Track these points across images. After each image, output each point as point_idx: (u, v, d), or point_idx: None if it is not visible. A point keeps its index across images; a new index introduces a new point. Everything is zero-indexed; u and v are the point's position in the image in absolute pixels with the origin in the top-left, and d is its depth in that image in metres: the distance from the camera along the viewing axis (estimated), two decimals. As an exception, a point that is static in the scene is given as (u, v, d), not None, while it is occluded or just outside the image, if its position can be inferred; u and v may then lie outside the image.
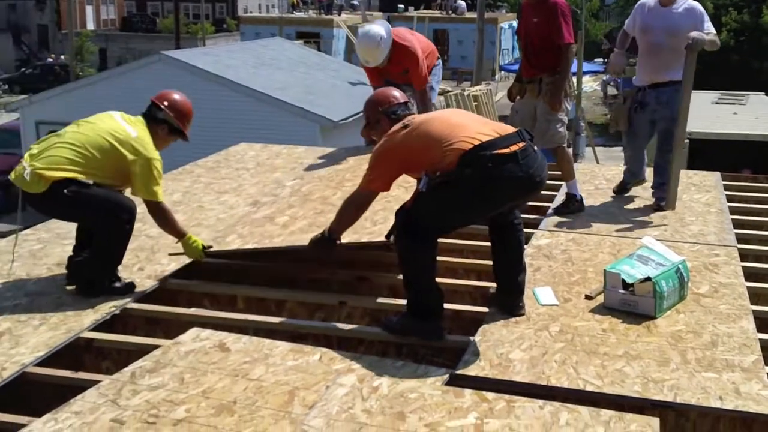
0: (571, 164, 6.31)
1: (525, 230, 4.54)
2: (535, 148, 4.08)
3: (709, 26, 6.03)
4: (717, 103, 17.75)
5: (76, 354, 4.18)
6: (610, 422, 3.26)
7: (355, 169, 6.35)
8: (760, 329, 4.30)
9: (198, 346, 3.94)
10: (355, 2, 44.61)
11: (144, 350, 4.00)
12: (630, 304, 4.38)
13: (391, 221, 4.46)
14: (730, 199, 6.87)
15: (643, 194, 6.66)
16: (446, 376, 3.69)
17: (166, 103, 4.82)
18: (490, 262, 4.47)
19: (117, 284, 4.69)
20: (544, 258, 5.24)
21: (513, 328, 4.20)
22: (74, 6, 38.15)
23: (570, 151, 6.60)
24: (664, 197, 6.28)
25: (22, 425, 3.29)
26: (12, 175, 4.58)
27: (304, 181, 6.18)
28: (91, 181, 4.55)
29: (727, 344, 4.05)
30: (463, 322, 4.45)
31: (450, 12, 44.59)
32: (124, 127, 4.68)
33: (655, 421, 3.29)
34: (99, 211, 4.56)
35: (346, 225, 4.42)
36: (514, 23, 41.29)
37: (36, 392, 3.85)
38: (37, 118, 20.40)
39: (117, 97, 18.46)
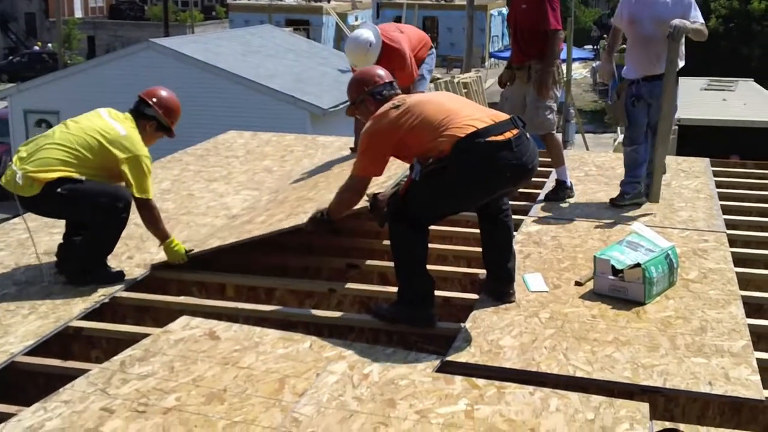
0: (560, 150, 6.30)
1: (515, 217, 4.54)
2: (528, 135, 4.08)
3: (696, 14, 5.87)
4: (706, 89, 17.76)
5: (65, 343, 4.17)
6: (600, 408, 3.27)
7: (330, 175, 6.30)
8: (749, 314, 4.32)
9: (188, 335, 3.93)
10: (345, -11, 44.50)
11: (133, 339, 3.99)
12: (620, 290, 4.39)
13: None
14: (718, 185, 6.89)
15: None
16: (437, 363, 3.69)
17: (154, 100, 4.81)
18: (480, 249, 4.46)
19: (106, 273, 4.68)
20: (533, 244, 5.25)
21: (503, 315, 4.20)
22: (62, -7, 37.89)
23: (559, 137, 6.58)
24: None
25: (11, 415, 3.27)
26: (3, 180, 4.58)
27: (280, 192, 6.18)
28: (83, 177, 4.54)
29: (717, 330, 4.07)
30: (454, 308, 4.45)
31: (440, -1, 44.57)
32: (112, 125, 4.66)
33: (645, 407, 3.30)
34: (95, 204, 4.56)
35: (344, 209, 4.36)
36: (504, 10, 41.28)
37: (25, 381, 3.84)
38: (25, 107, 20.34)
39: (105, 86, 18.47)
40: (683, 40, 5.77)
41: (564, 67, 8.21)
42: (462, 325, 4.10)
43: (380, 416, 3.22)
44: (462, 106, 4.13)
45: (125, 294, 4.59)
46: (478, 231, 4.45)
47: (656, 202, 6.04)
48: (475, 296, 4.49)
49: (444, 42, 42.62)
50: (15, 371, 3.82)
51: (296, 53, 22.86)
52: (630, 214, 5.88)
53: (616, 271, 4.42)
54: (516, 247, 4.59)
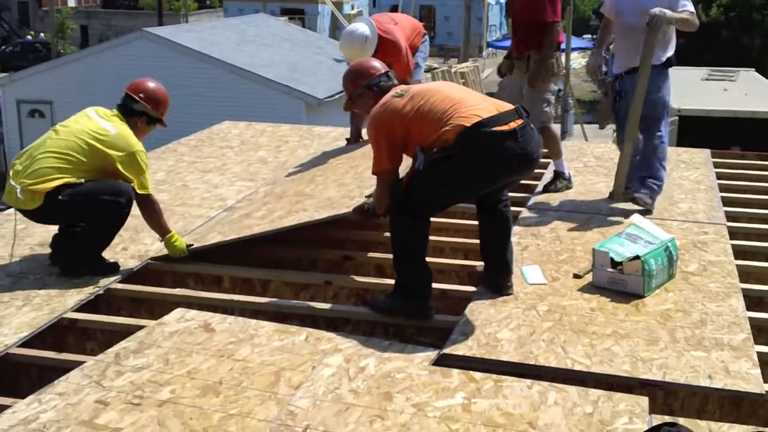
0: (557, 142, 6.27)
1: (513, 209, 4.50)
2: (532, 125, 4.04)
3: (684, 3, 5.59)
4: (707, 79, 17.66)
5: (59, 335, 4.14)
6: (599, 401, 3.25)
7: (327, 169, 6.27)
8: (749, 307, 4.30)
9: (183, 327, 3.90)
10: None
11: (128, 331, 3.96)
12: (618, 282, 4.36)
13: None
14: (719, 176, 6.85)
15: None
16: (434, 356, 3.67)
17: (141, 95, 4.76)
18: (478, 241, 4.43)
19: (101, 264, 4.65)
20: (531, 236, 5.21)
21: (501, 308, 4.17)
22: (55, -18, 37.67)
23: (558, 128, 6.53)
24: (647, 193, 5.77)
25: (6, 407, 3.25)
26: (5, 198, 4.58)
27: (277, 185, 6.14)
28: (82, 180, 4.52)
29: (716, 323, 4.04)
30: (451, 301, 4.43)
31: (437, -12, 44.44)
32: (102, 125, 4.63)
33: (644, 400, 3.28)
34: (98, 203, 4.53)
35: (383, 205, 4.32)
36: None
37: (19, 373, 3.83)
38: (18, 97, 20.26)
39: (99, 75, 18.40)
40: (673, 29, 5.66)
41: (563, 58, 8.13)
42: (459, 317, 4.07)
43: (376, 409, 3.19)
44: (466, 96, 4.09)
45: (120, 286, 4.55)
46: (475, 222, 4.42)
47: (619, 194, 5.87)
48: (472, 288, 4.46)
49: (441, 31, 42.54)
50: (9, 363, 3.80)
51: (291, 42, 22.77)
52: (629, 206, 5.83)
53: (615, 264, 4.39)
54: (514, 239, 4.56)
